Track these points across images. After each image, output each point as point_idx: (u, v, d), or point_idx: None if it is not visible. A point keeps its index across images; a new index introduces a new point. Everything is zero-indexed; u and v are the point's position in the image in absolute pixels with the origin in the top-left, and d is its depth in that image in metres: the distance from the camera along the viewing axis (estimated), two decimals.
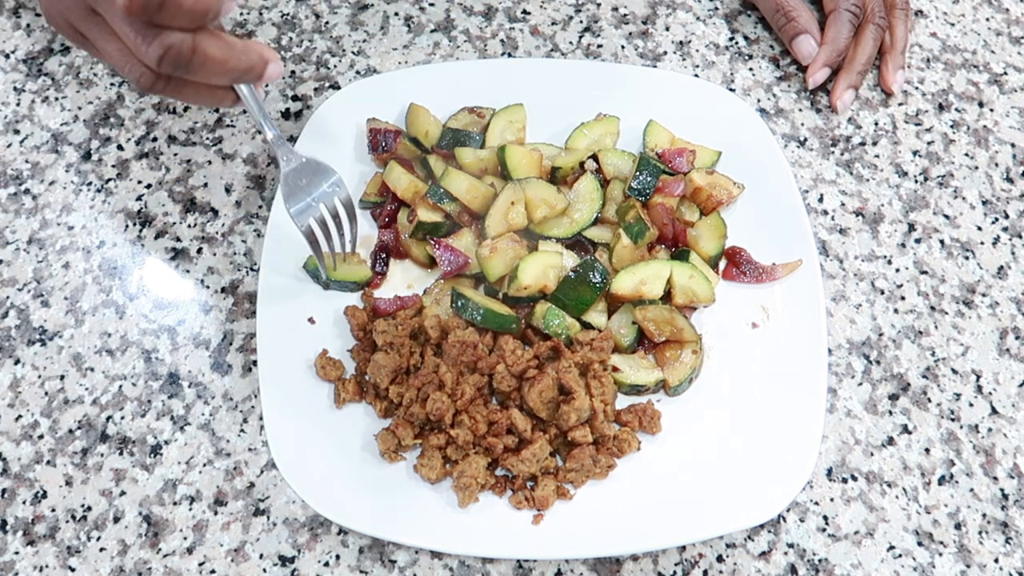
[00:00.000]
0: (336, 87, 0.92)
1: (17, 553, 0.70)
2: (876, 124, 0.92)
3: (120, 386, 0.77)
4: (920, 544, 0.72)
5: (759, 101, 0.93)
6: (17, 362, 0.78)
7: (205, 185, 0.86)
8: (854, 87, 0.92)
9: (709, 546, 0.72)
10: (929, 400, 0.78)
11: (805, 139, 0.91)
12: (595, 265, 0.76)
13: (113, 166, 0.87)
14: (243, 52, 0.60)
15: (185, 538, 0.71)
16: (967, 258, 0.85)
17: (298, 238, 0.74)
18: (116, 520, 0.72)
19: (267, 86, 0.91)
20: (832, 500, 0.74)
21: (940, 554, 0.72)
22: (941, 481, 0.75)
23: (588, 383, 0.73)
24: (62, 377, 0.77)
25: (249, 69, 0.61)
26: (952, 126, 0.93)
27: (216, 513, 0.72)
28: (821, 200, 0.88)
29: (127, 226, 0.84)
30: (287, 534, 0.71)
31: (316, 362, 0.75)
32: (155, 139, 0.89)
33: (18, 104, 0.90)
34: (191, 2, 0.54)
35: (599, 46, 0.96)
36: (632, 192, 0.81)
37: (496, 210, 0.79)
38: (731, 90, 0.93)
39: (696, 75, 0.94)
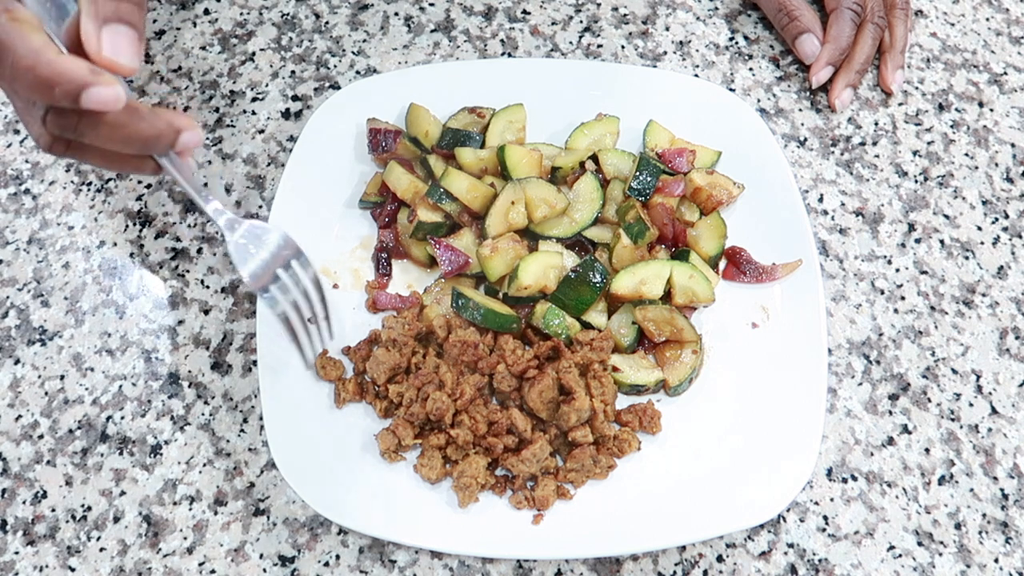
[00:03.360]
0: (336, 87, 0.92)
1: (17, 553, 0.70)
2: (876, 124, 0.92)
3: (120, 386, 0.77)
4: (920, 544, 0.72)
5: (759, 101, 0.93)
6: (17, 362, 0.78)
7: (205, 185, 0.86)
8: (852, 86, 0.92)
9: (709, 546, 0.72)
10: (929, 400, 0.78)
11: (805, 139, 0.91)
12: (595, 265, 0.76)
13: None
14: (146, 120, 0.55)
15: (185, 538, 0.71)
16: (967, 258, 0.85)
17: (298, 238, 0.73)
18: (116, 520, 0.72)
19: (266, 85, 0.91)
20: (832, 500, 0.74)
21: (940, 554, 0.72)
22: (941, 481, 0.75)
23: (588, 383, 0.73)
24: (62, 377, 0.77)
25: (155, 138, 0.56)
26: (952, 126, 0.93)
27: (216, 513, 0.72)
28: (821, 200, 0.88)
29: (127, 226, 0.84)
30: (287, 534, 0.71)
31: (316, 362, 0.75)
32: None
33: None
34: (44, 76, 0.50)
35: (599, 46, 0.96)
36: (632, 192, 0.81)
37: (496, 210, 0.79)
38: (731, 90, 0.93)
39: (696, 75, 0.94)
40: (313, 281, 0.67)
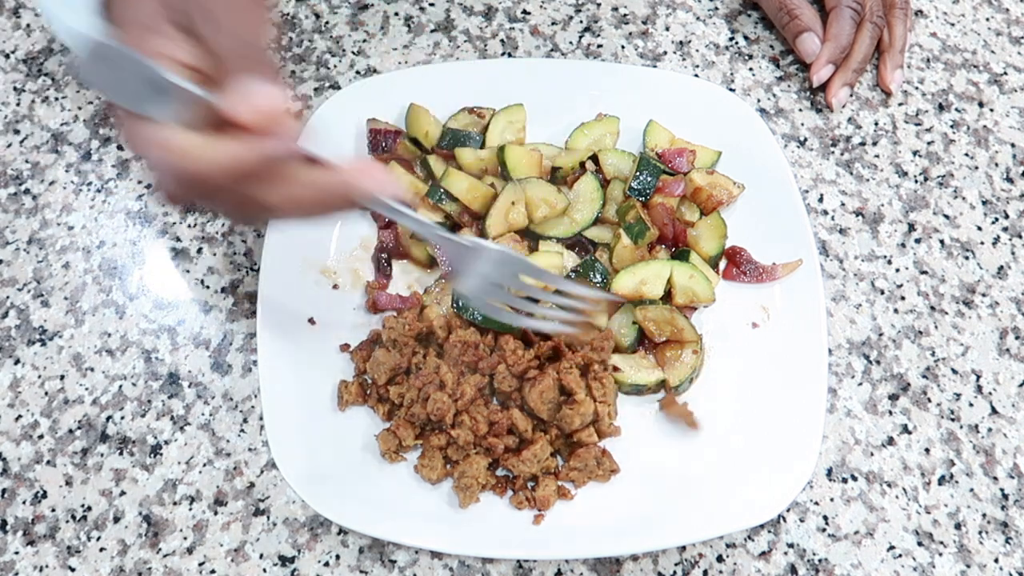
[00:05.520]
0: (336, 87, 0.92)
1: (17, 553, 0.70)
2: (876, 124, 0.92)
3: (120, 386, 0.77)
4: (920, 544, 0.72)
5: (759, 101, 0.93)
6: (17, 362, 0.78)
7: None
8: (849, 85, 0.92)
9: (709, 546, 0.72)
10: (929, 400, 0.78)
11: (805, 139, 0.91)
12: (595, 265, 0.76)
13: (113, 166, 0.87)
14: (315, 187, 0.50)
15: (185, 538, 0.71)
16: (967, 258, 0.85)
17: (298, 238, 0.74)
18: (116, 520, 0.72)
19: None
20: (832, 500, 0.74)
21: (940, 554, 0.72)
22: (941, 481, 0.75)
23: (589, 384, 0.73)
24: (62, 377, 0.77)
25: (334, 199, 0.52)
26: (952, 126, 0.93)
27: (216, 513, 0.72)
28: (821, 200, 0.88)
29: (127, 226, 0.84)
30: (287, 534, 0.71)
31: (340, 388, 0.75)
32: None
33: (18, 104, 0.90)
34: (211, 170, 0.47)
35: (599, 46, 0.96)
36: (632, 192, 0.81)
37: (496, 210, 0.79)
38: (731, 90, 0.93)
39: (696, 75, 0.94)
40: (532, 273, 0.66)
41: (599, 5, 0.99)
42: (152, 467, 0.74)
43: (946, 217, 0.87)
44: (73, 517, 0.72)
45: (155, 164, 0.50)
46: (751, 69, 0.95)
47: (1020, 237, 0.87)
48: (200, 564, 0.70)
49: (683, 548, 0.72)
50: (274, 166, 0.49)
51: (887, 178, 0.89)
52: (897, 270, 0.84)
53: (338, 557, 0.71)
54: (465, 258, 0.65)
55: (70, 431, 0.75)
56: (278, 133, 0.48)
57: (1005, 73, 0.96)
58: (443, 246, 0.64)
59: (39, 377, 0.77)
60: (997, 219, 0.88)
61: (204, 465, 0.74)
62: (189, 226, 0.84)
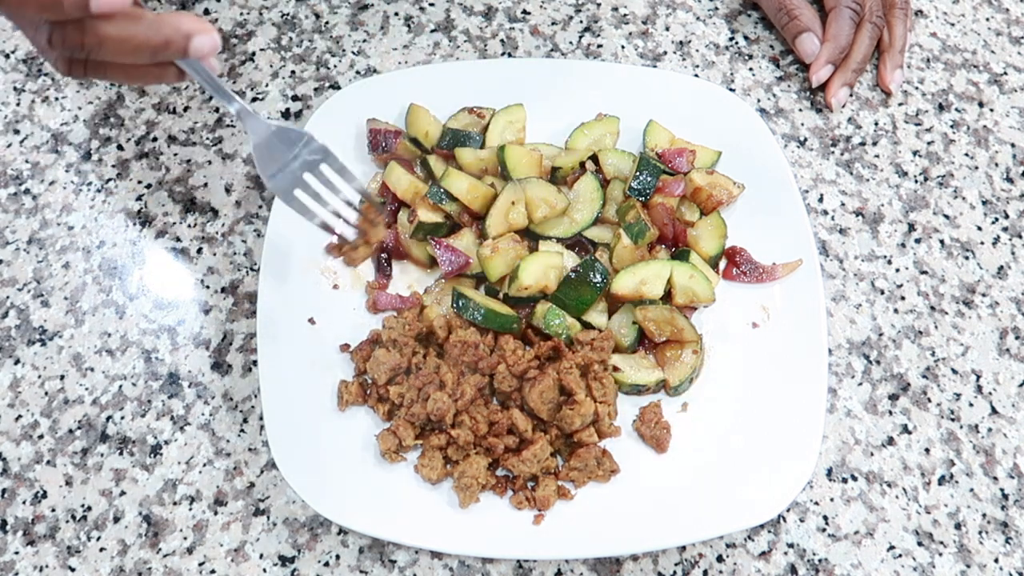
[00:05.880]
0: (336, 87, 0.92)
1: (17, 553, 0.70)
2: (876, 124, 0.92)
3: (120, 386, 0.77)
4: (920, 544, 0.72)
5: (759, 101, 0.93)
6: (17, 362, 0.78)
7: (205, 185, 0.86)
8: (849, 85, 0.92)
9: (709, 546, 0.72)
10: (929, 400, 0.78)
11: (805, 139, 0.91)
12: (595, 265, 0.76)
13: (113, 166, 0.87)
14: (152, 27, 0.55)
15: (185, 538, 0.71)
16: (967, 258, 0.85)
17: (298, 238, 0.74)
18: (116, 520, 0.72)
19: (266, 85, 0.91)
20: (832, 500, 0.74)
21: (940, 554, 0.72)
22: (941, 481, 0.75)
23: (589, 384, 0.73)
24: (62, 377, 0.77)
25: (165, 44, 0.56)
26: (952, 126, 0.93)
27: (216, 513, 0.72)
28: (821, 200, 0.88)
29: (127, 226, 0.84)
30: (287, 534, 0.71)
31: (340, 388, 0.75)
32: (155, 139, 0.89)
33: (18, 104, 0.90)
34: None
35: (599, 46, 0.96)
36: (632, 192, 0.81)
37: (497, 210, 0.79)
38: (731, 90, 0.93)
39: (696, 75, 0.94)
40: (335, 166, 0.66)
41: (599, 5, 0.99)
42: (152, 467, 0.74)
43: (946, 217, 0.87)
44: (73, 517, 0.72)
45: None
46: (751, 69, 0.95)
47: (1020, 237, 0.87)
48: (200, 564, 0.70)
49: (683, 548, 0.72)
50: None
51: (887, 178, 0.89)
52: (897, 270, 0.84)
53: (338, 557, 0.71)
54: (272, 141, 0.64)
55: (70, 431, 0.75)
56: None
57: (1005, 73, 0.96)
58: (248, 121, 0.64)
59: (39, 377, 0.77)
60: (997, 219, 0.88)
61: (204, 465, 0.74)
62: (189, 226, 0.84)
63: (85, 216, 0.85)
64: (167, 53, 0.57)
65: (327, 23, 0.96)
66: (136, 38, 0.55)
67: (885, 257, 0.85)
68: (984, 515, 0.74)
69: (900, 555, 0.72)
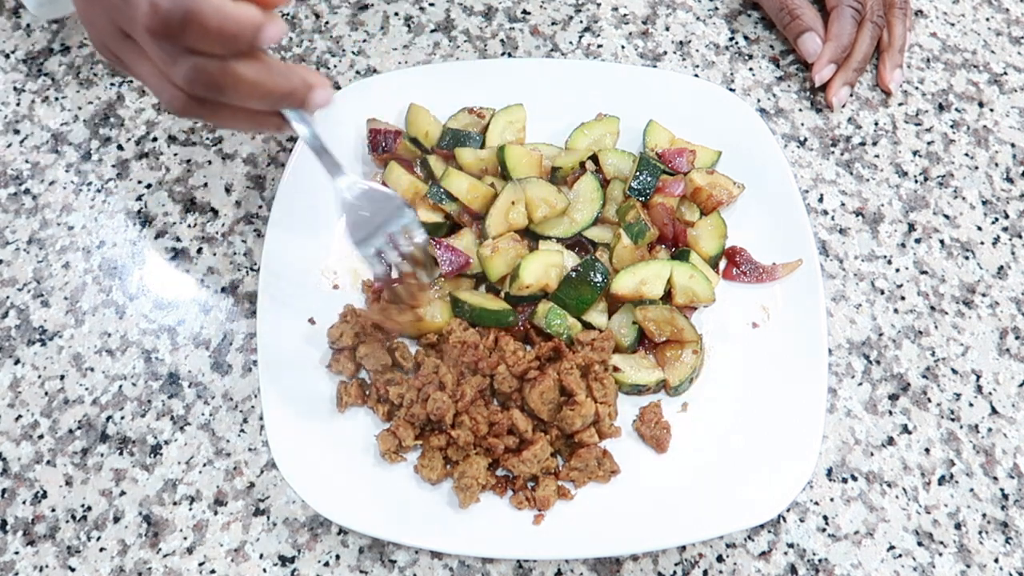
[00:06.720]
0: (336, 87, 0.92)
1: (17, 553, 0.70)
2: (876, 124, 0.92)
3: (120, 386, 0.77)
4: (920, 544, 0.72)
5: (759, 101, 0.93)
6: (17, 362, 0.78)
7: (205, 185, 0.86)
8: (850, 84, 0.92)
9: (709, 546, 0.72)
10: (929, 400, 0.78)
11: (805, 139, 0.91)
12: (596, 264, 0.76)
13: (113, 166, 0.87)
14: (282, 75, 0.56)
15: (185, 538, 0.71)
16: (967, 258, 0.85)
17: (298, 238, 0.74)
18: (116, 520, 0.72)
19: None
20: (832, 500, 0.74)
21: (940, 554, 0.72)
22: (941, 481, 0.75)
23: (589, 384, 0.73)
24: (62, 377, 0.77)
25: (290, 93, 0.57)
26: (952, 126, 0.93)
27: (216, 513, 0.72)
28: (821, 200, 0.88)
29: (127, 226, 0.84)
30: (287, 534, 0.71)
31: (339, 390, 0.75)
32: (155, 139, 0.89)
33: (18, 104, 0.90)
34: (216, 24, 0.50)
35: (599, 46, 0.96)
36: (632, 192, 0.81)
37: (497, 210, 0.79)
38: (731, 90, 0.93)
39: (696, 75, 0.94)
40: (422, 246, 0.70)
41: (599, 5, 0.99)
42: (152, 467, 0.74)
43: (946, 217, 0.87)
44: (73, 517, 0.72)
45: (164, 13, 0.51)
46: (751, 69, 0.95)
47: (1020, 237, 0.87)
48: (200, 564, 0.70)
49: (683, 548, 0.72)
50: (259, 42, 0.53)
51: (887, 178, 0.89)
52: (897, 270, 0.84)
53: (338, 557, 0.71)
54: (362, 202, 0.67)
55: (70, 431, 0.75)
56: (275, 16, 0.53)
57: (1005, 73, 0.96)
58: (340, 180, 0.67)
59: (39, 377, 0.77)
60: (997, 219, 0.88)
61: (204, 465, 0.74)
62: (189, 226, 0.84)
63: (85, 216, 0.85)
64: (288, 102, 0.58)
65: (327, 23, 0.96)
66: (267, 84, 0.56)
67: (885, 257, 0.85)
68: (984, 515, 0.74)
69: (900, 555, 0.72)
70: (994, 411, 0.78)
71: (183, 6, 0.50)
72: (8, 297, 0.81)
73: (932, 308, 0.83)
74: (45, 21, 0.93)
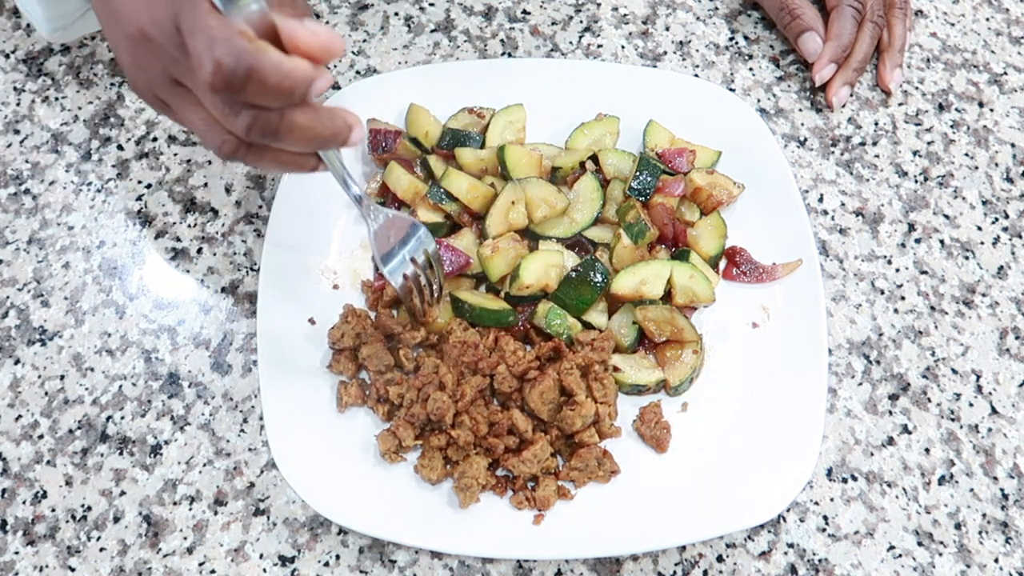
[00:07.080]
0: (336, 87, 0.92)
1: (17, 553, 0.70)
2: (876, 124, 0.92)
3: (120, 386, 0.77)
4: (920, 544, 0.72)
5: (759, 101, 0.93)
6: (17, 362, 0.78)
7: (205, 185, 0.87)
8: (850, 84, 0.92)
9: (709, 546, 0.72)
10: (929, 400, 0.78)
11: (805, 139, 0.91)
12: (596, 264, 0.76)
13: (113, 166, 0.87)
14: (329, 119, 0.58)
15: (185, 538, 0.71)
16: (967, 258, 0.85)
17: (298, 238, 0.74)
18: (116, 520, 0.72)
19: None
20: (832, 500, 0.74)
21: (940, 554, 0.72)
22: (941, 481, 0.75)
23: (589, 384, 0.73)
24: (62, 377, 0.77)
25: (334, 136, 0.59)
26: (952, 126, 0.93)
27: (216, 513, 0.72)
28: (821, 200, 0.88)
29: (127, 226, 0.84)
30: (287, 534, 0.71)
31: (339, 390, 0.75)
32: (155, 139, 0.89)
33: (18, 104, 0.90)
34: (276, 80, 0.52)
35: (599, 46, 0.96)
36: (632, 192, 0.81)
37: (497, 210, 0.79)
38: (731, 90, 0.93)
39: (696, 75, 0.94)
40: (433, 255, 0.73)
41: (599, 5, 0.99)
42: (152, 467, 0.74)
43: (946, 217, 0.87)
44: (73, 517, 0.72)
45: (219, 57, 0.52)
46: (751, 69, 0.95)
47: (1020, 237, 0.87)
48: (200, 564, 0.70)
49: (683, 548, 0.72)
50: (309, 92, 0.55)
51: (887, 178, 0.89)
52: (897, 270, 0.84)
53: (338, 557, 0.71)
54: (387, 228, 0.72)
55: (70, 431, 0.75)
56: (325, 69, 0.55)
57: (1005, 73, 0.96)
58: (368, 209, 0.70)
59: (39, 377, 0.77)
60: (997, 219, 0.88)
61: (204, 465, 0.74)
62: (189, 226, 0.84)
63: (85, 216, 0.85)
64: (333, 143, 0.59)
65: (327, 23, 0.96)
66: (316, 128, 0.57)
67: (885, 257, 0.85)
68: (984, 515, 0.74)
69: (900, 555, 0.72)
70: (994, 411, 0.78)
71: (245, 64, 0.51)
72: (8, 297, 0.81)
73: (932, 308, 0.83)
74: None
